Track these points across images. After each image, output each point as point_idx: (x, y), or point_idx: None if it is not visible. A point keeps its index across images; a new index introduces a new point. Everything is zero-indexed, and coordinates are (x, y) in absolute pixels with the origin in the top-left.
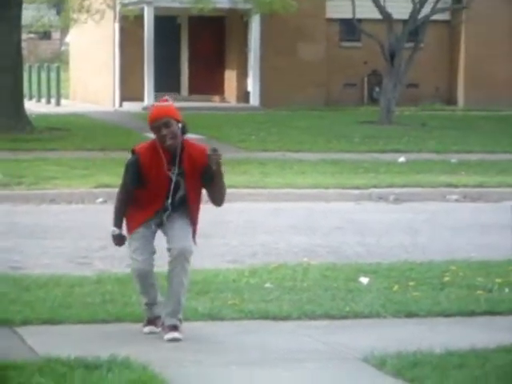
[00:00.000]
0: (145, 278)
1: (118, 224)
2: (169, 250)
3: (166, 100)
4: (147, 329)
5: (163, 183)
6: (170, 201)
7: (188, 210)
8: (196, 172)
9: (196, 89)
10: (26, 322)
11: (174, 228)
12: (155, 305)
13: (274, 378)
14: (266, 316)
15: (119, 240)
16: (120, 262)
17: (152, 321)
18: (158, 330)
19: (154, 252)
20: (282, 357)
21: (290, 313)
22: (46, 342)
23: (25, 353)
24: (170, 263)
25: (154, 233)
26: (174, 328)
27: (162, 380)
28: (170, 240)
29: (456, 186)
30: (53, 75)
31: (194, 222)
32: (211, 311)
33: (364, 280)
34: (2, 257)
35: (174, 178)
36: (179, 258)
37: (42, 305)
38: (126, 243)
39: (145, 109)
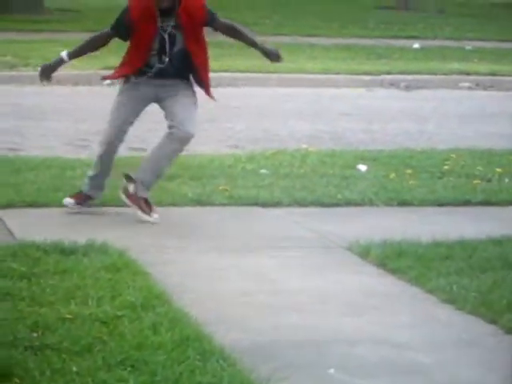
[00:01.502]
0: (109, 151)
1: (72, 53)
2: (170, 127)
3: None
4: (71, 200)
5: (150, 36)
6: (167, 58)
7: (192, 66)
8: (196, 26)
9: None
10: (9, 205)
11: (178, 104)
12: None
13: (254, 265)
14: (255, 202)
15: (46, 68)
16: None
17: (81, 196)
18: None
19: (130, 123)
20: (267, 244)
21: (281, 199)
22: (27, 226)
23: (2, 236)
24: (167, 137)
25: (144, 102)
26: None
27: (138, 266)
28: (174, 117)
29: (469, 74)
30: None
31: (202, 79)
32: (200, 197)
33: (362, 167)
34: (1, 138)
35: (168, 30)
36: (180, 141)
37: (29, 187)
38: None
39: None
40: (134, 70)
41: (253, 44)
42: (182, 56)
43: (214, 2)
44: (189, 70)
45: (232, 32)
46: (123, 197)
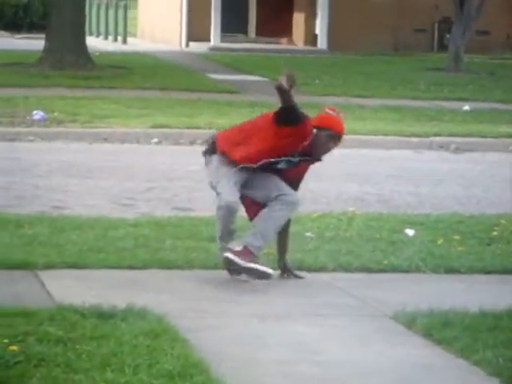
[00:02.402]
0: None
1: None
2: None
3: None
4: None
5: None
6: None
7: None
8: None
9: (263, 31)
10: (49, 266)
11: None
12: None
13: (296, 333)
14: (300, 266)
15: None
16: (166, 204)
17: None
18: None
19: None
20: (309, 311)
21: (326, 264)
22: (66, 288)
23: (41, 298)
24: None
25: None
26: (236, 250)
27: (177, 332)
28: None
29: None
30: (120, 13)
31: None
32: None
33: (409, 232)
34: (46, 196)
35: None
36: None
37: (70, 248)
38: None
39: (211, 49)
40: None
41: None
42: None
43: (266, 62)
44: None
45: None
46: (232, 257)
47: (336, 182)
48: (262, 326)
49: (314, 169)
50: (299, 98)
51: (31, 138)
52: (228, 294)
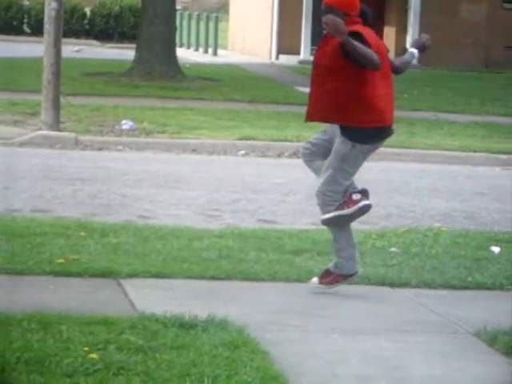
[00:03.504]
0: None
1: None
2: None
3: None
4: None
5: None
6: None
7: None
8: None
9: None
10: (133, 275)
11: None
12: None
13: (376, 349)
14: (382, 282)
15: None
16: (251, 216)
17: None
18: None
19: None
20: (391, 326)
21: (409, 280)
22: (148, 297)
23: (123, 307)
24: None
25: None
26: (322, 273)
27: (257, 344)
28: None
29: None
30: (211, 25)
31: None
32: None
33: (495, 249)
34: (133, 205)
35: None
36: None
37: (154, 257)
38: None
39: (301, 62)
40: None
41: None
42: None
43: None
44: None
45: None
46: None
47: (423, 198)
48: (342, 341)
49: (403, 183)
50: None
51: (120, 147)
52: (310, 307)
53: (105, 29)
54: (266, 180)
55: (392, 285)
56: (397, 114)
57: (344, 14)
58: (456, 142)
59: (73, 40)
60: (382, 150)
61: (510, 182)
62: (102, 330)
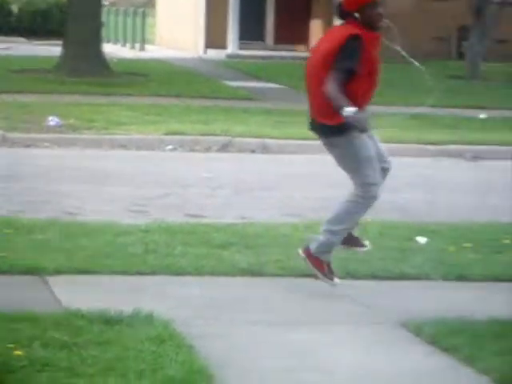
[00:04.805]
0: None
1: (346, 101)
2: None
3: None
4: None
5: (377, 70)
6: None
7: None
8: None
9: (281, 38)
10: (59, 271)
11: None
12: None
13: (301, 340)
14: (309, 274)
15: (361, 116)
16: (178, 210)
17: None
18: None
19: None
20: (316, 318)
21: (334, 271)
22: (74, 293)
23: (49, 304)
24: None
25: None
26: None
27: (183, 338)
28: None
29: None
30: (138, 20)
31: None
32: (252, 267)
33: (421, 240)
34: (60, 202)
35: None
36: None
37: (81, 253)
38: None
39: (229, 56)
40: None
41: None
42: None
43: (283, 69)
44: None
45: None
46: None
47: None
48: (267, 334)
49: (329, 175)
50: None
51: (47, 144)
52: (236, 301)
53: (32, 26)
54: (193, 174)
55: (318, 276)
56: None
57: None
58: (385, 133)
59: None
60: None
61: (439, 173)
62: (26, 326)
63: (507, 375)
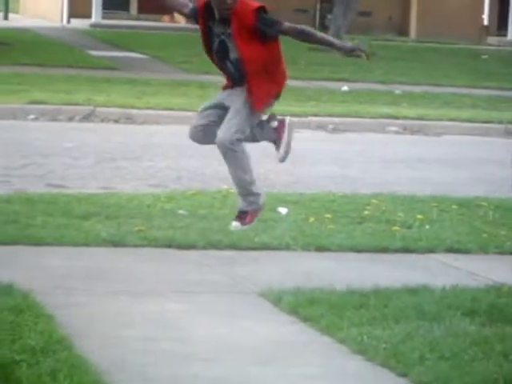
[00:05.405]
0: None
1: None
2: None
3: None
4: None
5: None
6: (229, 64)
7: (245, 75)
8: (246, 32)
9: (145, 8)
10: None
11: (229, 112)
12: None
13: (162, 310)
14: (170, 244)
15: None
16: (40, 180)
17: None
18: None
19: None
20: (177, 288)
21: (196, 241)
22: None
23: None
24: None
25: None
26: (239, 215)
27: (42, 308)
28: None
29: (396, 118)
30: None
31: (249, 89)
32: (114, 237)
33: (283, 210)
34: None
35: (222, 37)
36: (220, 151)
37: None
38: None
39: (92, 26)
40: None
41: (330, 44)
42: (238, 64)
43: (148, 40)
44: (243, 78)
45: (303, 36)
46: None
47: (212, 161)
48: (128, 303)
49: (191, 146)
50: (179, 76)
51: None
52: (97, 271)
53: None
54: (56, 144)
55: (179, 247)
56: (189, 77)
57: None
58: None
59: None
60: (169, 113)
61: (300, 145)
62: None
63: (365, 345)
